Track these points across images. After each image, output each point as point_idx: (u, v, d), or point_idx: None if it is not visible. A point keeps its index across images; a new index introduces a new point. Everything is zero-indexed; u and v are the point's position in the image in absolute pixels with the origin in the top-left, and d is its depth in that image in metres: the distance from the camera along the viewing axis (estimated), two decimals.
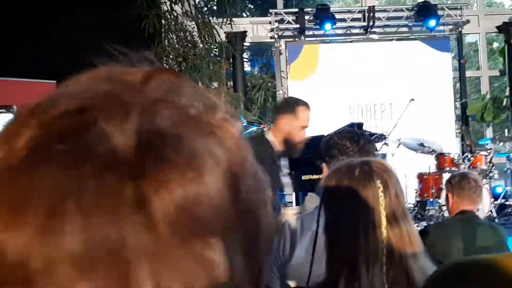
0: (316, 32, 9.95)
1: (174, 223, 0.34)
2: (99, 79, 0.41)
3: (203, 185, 0.35)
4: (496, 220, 7.28)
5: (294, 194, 5.84)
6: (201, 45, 8.95)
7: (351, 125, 6.29)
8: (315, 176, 5.20)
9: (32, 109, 0.37)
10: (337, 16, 9.65)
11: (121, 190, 0.33)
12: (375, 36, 10.09)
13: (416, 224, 4.92)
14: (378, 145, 7.34)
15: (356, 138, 2.11)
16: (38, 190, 0.33)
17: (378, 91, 9.56)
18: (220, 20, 9.02)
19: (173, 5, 8.73)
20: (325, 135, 6.12)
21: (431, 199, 7.02)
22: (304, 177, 5.39)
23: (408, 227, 1.36)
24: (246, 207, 0.39)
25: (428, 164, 7.85)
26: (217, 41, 8.98)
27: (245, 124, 7.18)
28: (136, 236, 0.33)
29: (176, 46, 8.93)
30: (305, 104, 3.54)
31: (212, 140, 0.38)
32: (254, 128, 7.61)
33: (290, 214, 5.51)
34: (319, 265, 1.50)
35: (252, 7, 13.70)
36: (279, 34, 9.83)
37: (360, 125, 6.47)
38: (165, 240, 0.34)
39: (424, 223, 6.58)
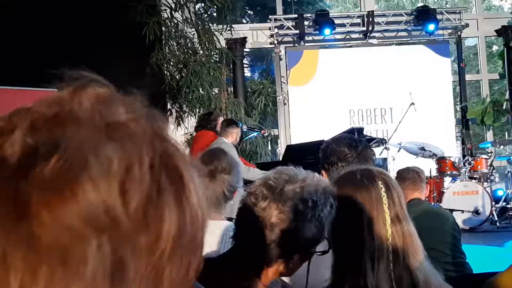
0: (316, 37, 9.98)
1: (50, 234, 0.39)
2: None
3: (79, 196, 0.39)
4: (497, 224, 7.29)
5: None
6: (201, 52, 8.99)
7: (352, 130, 6.31)
8: None
9: None
10: (337, 21, 9.68)
11: (4, 188, 0.39)
12: (374, 41, 10.12)
13: None
14: (379, 149, 7.36)
15: (354, 144, 2.12)
16: None
17: (378, 96, 9.57)
18: (220, 26, 9.05)
19: (173, 12, 8.77)
20: (325, 140, 6.14)
21: (433, 203, 7.02)
22: None
23: (409, 227, 1.41)
24: (140, 208, 0.42)
25: (429, 168, 7.86)
26: (217, 47, 9.02)
27: (245, 129, 7.22)
28: (16, 248, 0.38)
29: (177, 52, 8.97)
30: None
31: (109, 145, 0.42)
32: (255, 134, 7.65)
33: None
34: (315, 274, 1.52)
35: (251, 13, 13.75)
36: (279, 39, 9.86)
37: (360, 130, 6.49)
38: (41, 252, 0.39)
39: None
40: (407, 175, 3.55)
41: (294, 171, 1.38)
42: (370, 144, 6.78)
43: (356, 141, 2.15)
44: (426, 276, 1.38)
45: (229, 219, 2.26)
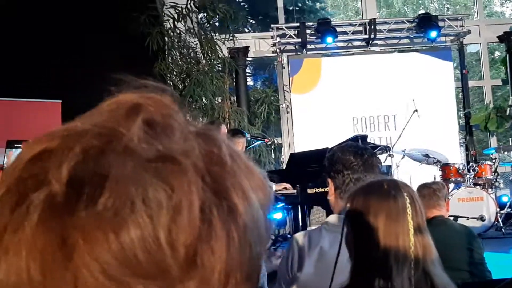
0: (318, 46, 10.00)
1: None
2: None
3: (123, 242, 0.38)
4: (503, 230, 7.27)
5: (299, 207, 5.85)
6: (204, 61, 9.02)
7: (356, 137, 6.31)
8: (320, 190, 5.22)
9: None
10: (338, 29, 9.70)
11: (50, 227, 0.38)
12: (376, 48, 10.14)
13: None
14: (383, 156, 7.35)
15: (360, 152, 2.11)
16: None
17: (381, 103, 9.57)
18: (223, 36, 9.09)
19: (176, 22, 8.82)
20: (328, 148, 6.15)
21: None
22: (309, 191, 5.40)
23: (428, 238, 1.50)
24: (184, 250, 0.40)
25: (433, 174, 7.85)
26: (220, 56, 9.06)
27: (249, 138, 7.22)
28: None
29: (180, 62, 9.01)
30: None
31: (157, 186, 0.40)
32: (258, 142, 7.65)
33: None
34: (326, 279, 1.54)
35: (254, 22, 13.80)
36: (281, 48, 9.89)
37: (364, 138, 6.49)
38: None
39: None
40: (422, 191, 3.48)
41: None
42: (375, 151, 6.77)
43: (362, 149, 2.14)
44: (443, 282, 1.47)
45: None
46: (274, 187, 5.57)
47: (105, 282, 0.37)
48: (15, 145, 4.95)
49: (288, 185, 5.67)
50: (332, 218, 2.10)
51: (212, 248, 0.41)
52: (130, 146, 0.41)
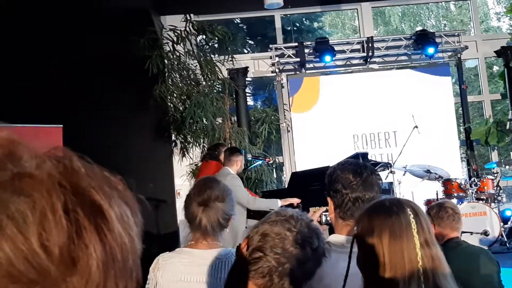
0: (317, 64, 10.07)
1: None
2: None
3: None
4: (507, 244, 7.23)
5: None
6: (204, 83, 9.07)
7: (356, 155, 6.32)
8: (322, 208, 5.21)
9: None
10: (337, 48, 9.78)
11: None
12: (375, 66, 10.20)
13: None
14: (384, 173, 7.35)
15: (359, 170, 2.09)
16: None
17: (381, 120, 9.61)
18: (222, 57, 9.16)
19: (175, 45, 8.89)
20: (330, 166, 6.14)
21: None
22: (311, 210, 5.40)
23: (438, 251, 1.51)
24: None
25: (435, 190, 7.84)
26: (220, 77, 9.11)
27: (250, 158, 7.23)
28: None
29: (180, 84, 9.06)
30: None
31: (18, 199, 0.44)
32: (260, 162, 7.66)
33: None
34: None
35: (252, 43, 13.92)
36: (280, 68, 9.96)
37: (365, 155, 6.50)
38: None
39: None
40: (430, 211, 3.41)
41: (286, 213, 1.57)
42: (376, 168, 6.78)
43: (361, 167, 2.13)
44: None
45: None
46: (279, 203, 5.57)
47: None
48: None
49: (293, 200, 5.66)
50: (334, 238, 2.10)
51: (85, 243, 0.45)
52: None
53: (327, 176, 2.18)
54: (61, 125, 6.55)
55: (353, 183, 2.06)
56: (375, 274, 1.48)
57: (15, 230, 0.42)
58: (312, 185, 5.67)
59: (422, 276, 1.43)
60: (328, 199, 2.15)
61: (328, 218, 2.29)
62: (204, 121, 8.76)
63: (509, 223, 7.74)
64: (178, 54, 8.94)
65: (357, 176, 2.07)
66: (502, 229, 7.25)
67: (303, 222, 1.55)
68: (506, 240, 7.27)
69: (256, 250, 1.50)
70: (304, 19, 14.88)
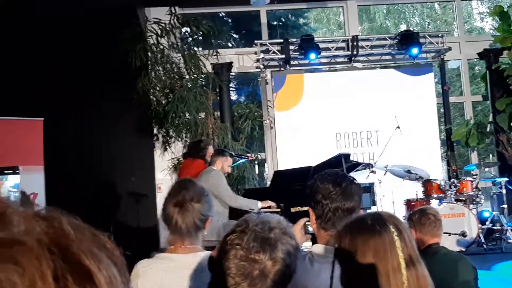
0: (301, 62, 10.06)
1: None
2: None
3: None
4: (484, 246, 7.34)
5: None
6: (187, 77, 9.01)
7: (339, 156, 6.34)
8: (304, 208, 5.22)
9: None
10: (321, 45, 9.78)
11: None
12: (359, 65, 10.24)
13: None
14: (365, 173, 7.40)
15: (339, 180, 2.10)
16: None
17: (364, 119, 9.65)
18: (206, 51, 9.11)
19: (159, 38, 8.81)
20: (313, 166, 6.16)
21: None
22: (293, 209, 5.41)
23: (423, 270, 1.45)
24: None
25: (415, 190, 7.92)
26: (203, 72, 9.06)
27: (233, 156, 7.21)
28: None
29: (163, 78, 8.99)
30: None
31: (8, 268, 0.44)
32: (242, 160, 7.65)
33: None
34: None
35: (237, 37, 13.86)
36: (265, 64, 9.93)
37: (347, 156, 6.53)
38: None
39: None
40: (412, 217, 3.42)
41: (268, 218, 1.45)
42: (357, 169, 6.82)
43: (340, 177, 2.14)
44: None
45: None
46: (260, 204, 5.58)
47: None
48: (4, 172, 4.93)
49: (272, 203, 5.67)
50: (316, 248, 2.10)
51: None
52: None
53: (309, 186, 2.19)
54: (42, 118, 6.47)
55: (333, 193, 2.08)
56: None
57: None
58: (294, 185, 5.68)
59: None
60: (310, 210, 2.15)
61: (310, 229, 2.29)
62: (187, 115, 8.71)
63: (486, 224, 7.86)
64: (162, 47, 8.87)
65: (337, 186, 2.09)
66: (480, 230, 7.36)
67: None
68: (483, 241, 7.38)
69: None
70: (289, 14, 14.85)
